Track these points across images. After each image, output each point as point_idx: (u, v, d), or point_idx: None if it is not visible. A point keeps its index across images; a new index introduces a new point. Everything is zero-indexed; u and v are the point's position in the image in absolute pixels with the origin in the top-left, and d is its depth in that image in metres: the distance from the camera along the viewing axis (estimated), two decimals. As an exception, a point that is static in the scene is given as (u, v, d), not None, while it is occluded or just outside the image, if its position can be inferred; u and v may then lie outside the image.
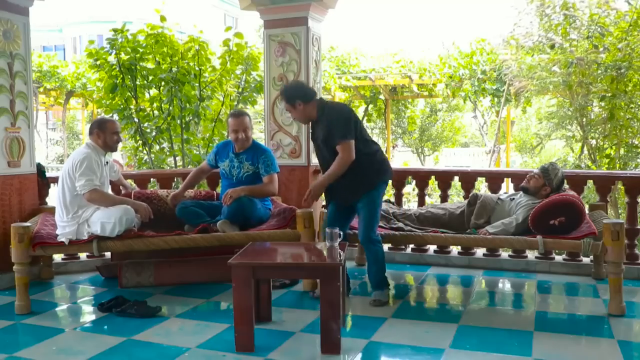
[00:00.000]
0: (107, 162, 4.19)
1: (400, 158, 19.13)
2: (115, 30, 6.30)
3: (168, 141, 6.74)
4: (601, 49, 7.13)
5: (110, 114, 6.61)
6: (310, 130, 4.03)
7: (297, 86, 3.99)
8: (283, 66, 5.04)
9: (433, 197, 10.56)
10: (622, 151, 7.46)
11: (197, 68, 6.47)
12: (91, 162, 3.91)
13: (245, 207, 4.14)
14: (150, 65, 6.51)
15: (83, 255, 4.95)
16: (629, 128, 7.23)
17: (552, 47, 8.07)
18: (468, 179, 5.10)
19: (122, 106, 6.51)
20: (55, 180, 4.55)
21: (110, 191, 4.77)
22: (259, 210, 4.30)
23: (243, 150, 4.39)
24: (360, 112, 17.34)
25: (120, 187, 4.71)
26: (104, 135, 4.05)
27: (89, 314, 3.88)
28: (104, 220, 3.84)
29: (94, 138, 4.05)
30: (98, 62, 6.45)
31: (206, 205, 4.44)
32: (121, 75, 6.37)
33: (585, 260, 4.70)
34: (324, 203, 5.62)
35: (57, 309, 3.97)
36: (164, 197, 4.69)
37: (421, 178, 5.28)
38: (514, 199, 4.31)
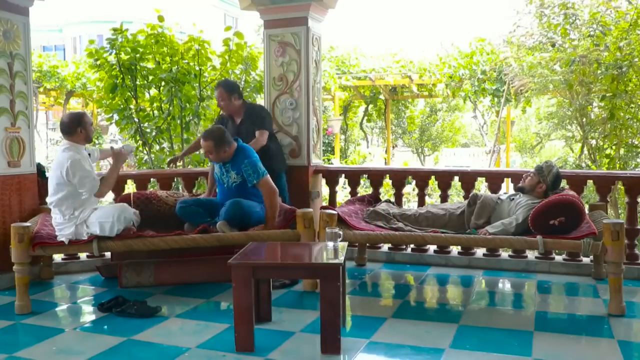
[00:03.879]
0: (89, 154, 4.15)
1: (400, 158, 19.12)
2: (115, 30, 6.30)
3: (168, 141, 6.74)
4: (602, 48, 7.12)
5: (110, 114, 6.62)
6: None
7: (236, 84, 4.72)
8: (283, 66, 5.04)
9: (433, 197, 10.54)
10: (622, 151, 7.45)
11: (197, 68, 6.47)
12: (81, 164, 3.88)
13: (242, 208, 4.10)
14: (150, 65, 6.51)
15: (83, 255, 4.95)
16: (629, 128, 7.22)
17: (553, 45, 8.06)
18: (468, 179, 5.10)
19: (122, 106, 6.50)
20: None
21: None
22: (258, 213, 4.23)
23: (228, 161, 4.25)
24: (360, 112, 17.37)
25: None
26: (86, 129, 4.01)
27: (89, 314, 3.88)
28: (102, 220, 3.84)
29: (76, 137, 3.98)
30: (98, 62, 6.45)
31: (206, 203, 4.39)
32: (121, 75, 6.37)
33: (585, 260, 4.70)
34: (324, 203, 5.64)
35: (57, 309, 3.97)
36: (163, 197, 4.67)
37: (421, 178, 5.28)
38: (513, 199, 4.31)
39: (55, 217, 3.95)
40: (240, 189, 4.24)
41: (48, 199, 4.01)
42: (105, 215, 3.86)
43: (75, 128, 3.98)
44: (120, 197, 4.72)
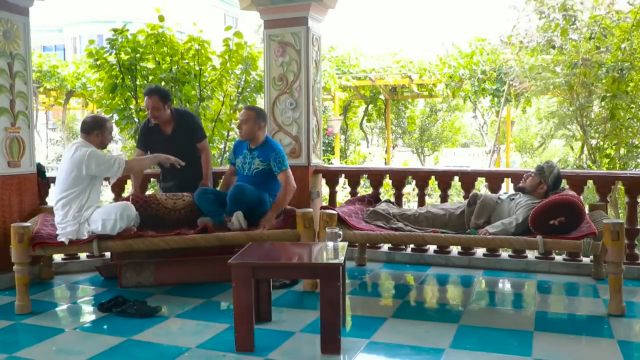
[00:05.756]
0: None
1: (400, 158, 19.12)
2: (115, 30, 6.30)
3: (168, 141, 6.73)
4: (603, 50, 7.12)
5: (110, 114, 6.62)
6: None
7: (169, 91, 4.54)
8: (283, 66, 5.04)
9: (433, 197, 10.54)
10: (622, 151, 7.45)
11: (197, 68, 6.47)
12: (99, 152, 3.93)
13: (244, 192, 4.16)
14: (150, 65, 6.51)
15: (83, 255, 4.95)
16: (630, 128, 7.22)
17: (554, 47, 8.06)
18: (468, 179, 5.10)
19: (122, 106, 6.50)
20: (55, 180, 4.54)
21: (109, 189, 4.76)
22: (265, 201, 4.28)
23: (256, 147, 4.38)
24: (360, 112, 17.38)
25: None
26: (103, 135, 4.01)
27: (89, 314, 3.88)
28: (104, 218, 3.83)
29: (92, 138, 3.98)
30: (98, 62, 6.44)
31: (223, 196, 4.35)
32: (121, 75, 6.37)
33: (585, 260, 4.70)
34: (324, 203, 5.64)
35: (57, 309, 3.97)
36: (162, 200, 4.62)
37: (421, 178, 5.28)
38: (513, 199, 4.31)
39: (59, 213, 3.92)
40: (260, 176, 4.34)
41: (55, 197, 3.99)
42: (108, 212, 3.85)
43: (93, 130, 3.98)
44: (120, 199, 4.72)
